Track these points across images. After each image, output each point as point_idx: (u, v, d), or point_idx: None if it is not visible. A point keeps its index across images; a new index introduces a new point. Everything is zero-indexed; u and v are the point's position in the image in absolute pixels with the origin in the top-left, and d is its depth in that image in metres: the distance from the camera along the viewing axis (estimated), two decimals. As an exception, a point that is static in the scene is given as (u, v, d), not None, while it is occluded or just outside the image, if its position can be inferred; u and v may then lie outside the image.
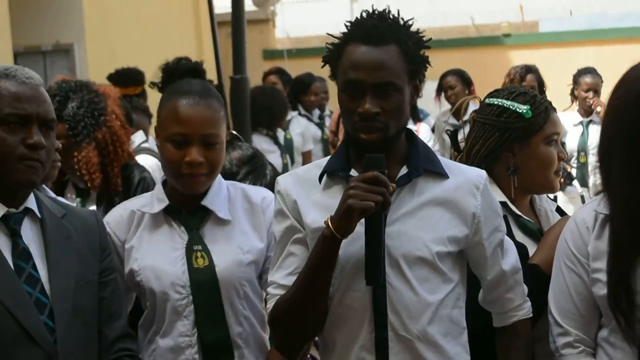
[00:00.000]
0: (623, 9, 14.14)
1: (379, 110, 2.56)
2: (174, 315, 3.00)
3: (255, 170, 3.53)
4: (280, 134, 8.26)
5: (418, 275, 2.58)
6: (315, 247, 2.54)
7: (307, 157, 8.77)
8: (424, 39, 2.66)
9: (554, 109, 3.21)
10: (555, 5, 15.26)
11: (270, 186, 3.39)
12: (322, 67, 2.70)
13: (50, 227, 2.70)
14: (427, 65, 2.64)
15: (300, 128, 8.87)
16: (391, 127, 2.58)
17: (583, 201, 7.61)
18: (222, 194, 3.08)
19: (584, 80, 8.17)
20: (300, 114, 9.28)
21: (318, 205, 2.60)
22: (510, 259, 2.77)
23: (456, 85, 8.99)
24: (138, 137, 5.77)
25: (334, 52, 2.64)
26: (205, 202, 3.06)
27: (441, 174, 2.66)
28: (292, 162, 8.46)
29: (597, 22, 13.76)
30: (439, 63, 11.24)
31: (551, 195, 3.38)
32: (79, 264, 2.71)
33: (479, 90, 9.08)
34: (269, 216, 3.06)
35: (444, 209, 2.63)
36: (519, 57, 10.90)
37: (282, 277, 2.66)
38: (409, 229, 2.58)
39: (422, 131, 8.76)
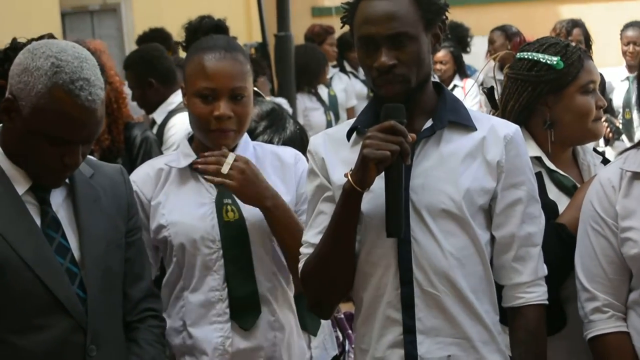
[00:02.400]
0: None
1: (395, 62, 2.51)
2: (205, 270, 3.00)
3: (274, 125, 3.50)
4: (324, 91, 8.26)
5: (444, 229, 2.54)
6: (338, 202, 2.53)
7: (351, 113, 8.72)
8: None
9: (589, 57, 3.12)
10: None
11: (291, 140, 3.43)
12: (341, 27, 2.68)
13: (80, 190, 2.65)
14: (446, 12, 2.59)
15: (343, 84, 8.85)
16: (411, 78, 2.53)
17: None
18: (248, 152, 3.07)
19: (625, 34, 8.08)
20: (345, 70, 9.25)
21: (346, 162, 2.56)
22: (529, 227, 2.62)
23: (497, 40, 8.91)
24: (179, 97, 5.79)
25: (350, 11, 2.62)
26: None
27: (468, 126, 2.61)
28: (338, 118, 8.44)
29: None
30: (489, 19, 11.10)
31: (599, 149, 3.33)
32: (108, 228, 2.68)
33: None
34: (298, 171, 3.07)
35: (470, 161, 2.57)
36: (569, 12, 10.74)
37: (313, 235, 2.65)
38: (433, 181, 2.54)
39: (468, 87, 8.71)
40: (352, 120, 2.70)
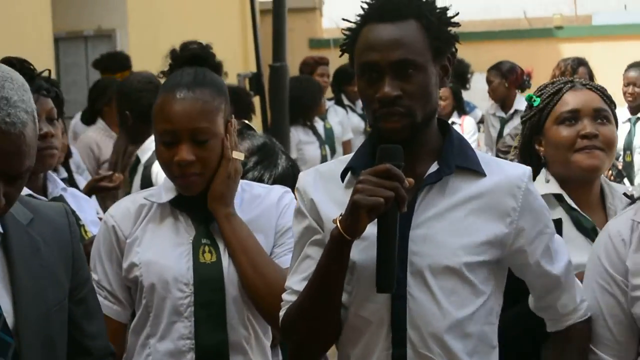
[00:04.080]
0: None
1: (400, 93, 2.30)
2: (174, 316, 2.78)
3: (265, 160, 3.29)
4: (319, 124, 8.05)
5: (444, 287, 2.31)
6: (325, 249, 2.31)
7: (347, 147, 8.54)
8: (450, 14, 2.40)
9: (582, 86, 3.00)
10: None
11: (282, 177, 3.22)
12: (340, 56, 2.47)
13: (16, 241, 2.22)
14: (456, 43, 2.40)
15: (339, 117, 8.66)
16: (416, 113, 2.31)
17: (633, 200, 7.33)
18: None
19: (626, 75, 7.98)
20: (342, 103, 9.08)
21: (339, 204, 2.33)
22: (561, 262, 2.46)
23: (493, 80, 8.78)
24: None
25: (351, 37, 2.40)
26: None
27: (477, 172, 2.38)
28: (334, 152, 8.25)
29: None
30: (489, 56, 11.03)
31: (627, 192, 3.15)
32: (49, 286, 2.26)
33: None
34: (280, 207, 2.87)
35: (479, 212, 2.34)
36: (571, 51, 10.63)
37: (297, 282, 2.42)
38: (436, 233, 2.32)
39: (467, 125, 8.54)
40: (347, 158, 2.47)
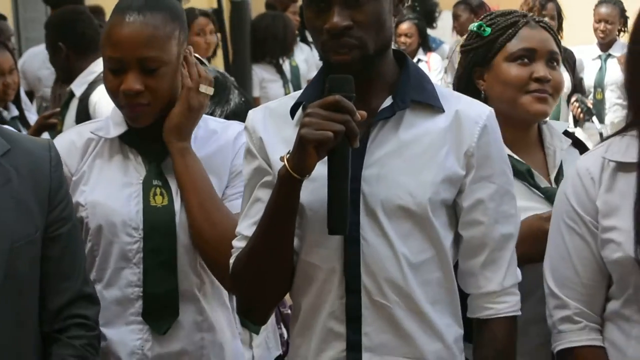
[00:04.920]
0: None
1: (350, 22, 2.10)
2: (122, 262, 2.61)
3: (216, 95, 3.09)
4: (285, 62, 7.85)
5: (399, 230, 2.14)
6: (273, 190, 2.13)
7: (311, 84, 8.35)
8: None
9: (537, 24, 2.81)
10: None
11: (235, 113, 3.01)
12: None
13: None
14: None
15: (304, 55, 8.45)
16: (369, 43, 2.12)
17: (602, 138, 7.26)
18: None
19: (597, 11, 7.85)
20: (307, 40, 8.89)
21: (288, 142, 2.14)
22: (502, 227, 2.23)
23: (461, 14, 8.58)
24: (100, 66, 5.24)
25: None
26: None
27: (434, 107, 2.21)
28: (300, 90, 8.07)
29: None
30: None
31: (570, 130, 3.00)
32: (17, 219, 2.20)
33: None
34: (236, 147, 2.67)
35: (436, 148, 2.17)
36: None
37: (247, 227, 2.24)
38: (390, 172, 2.14)
39: (433, 61, 8.37)
40: (297, 94, 2.30)
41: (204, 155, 2.64)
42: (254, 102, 7.32)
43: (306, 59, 8.42)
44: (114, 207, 2.61)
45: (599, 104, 7.63)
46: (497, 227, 2.22)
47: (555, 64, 2.79)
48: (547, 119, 2.83)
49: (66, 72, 5.10)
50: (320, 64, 7.63)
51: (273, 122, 2.27)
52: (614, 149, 2.32)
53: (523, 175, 2.66)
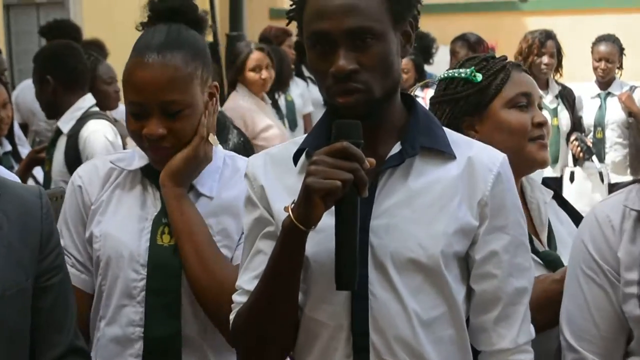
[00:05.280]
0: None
1: (357, 66, 2.00)
2: (125, 299, 2.48)
3: (216, 135, 3.01)
4: (280, 97, 7.75)
5: (410, 284, 2.03)
6: (277, 242, 2.02)
7: (307, 120, 8.22)
8: None
9: (522, 70, 2.67)
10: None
11: (234, 152, 2.80)
12: (287, 24, 2.17)
13: None
14: (418, 4, 2.11)
15: (299, 89, 8.34)
16: (375, 87, 2.02)
17: (601, 178, 7.18)
18: (212, 165, 2.55)
19: (597, 49, 7.73)
20: (303, 75, 8.80)
21: (291, 191, 2.03)
22: (517, 281, 2.11)
23: (459, 51, 8.49)
24: (89, 101, 4.99)
25: (299, 3, 2.09)
26: None
27: (445, 153, 2.10)
28: (295, 126, 7.96)
29: None
30: (453, 28, 10.85)
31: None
32: (7, 266, 2.11)
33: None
34: None
35: (448, 197, 2.06)
36: (535, 24, 10.46)
37: (248, 280, 2.13)
38: (399, 222, 2.04)
39: (430, 98, 8.28)
40: (301, 139, 2.18)
41: (227, 199, 2.53)
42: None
43: (302, 94, 8.33)
44: (124, 239, 2.50)
45: (599, 143, 7.55)
46: (511, 280, 2.11)
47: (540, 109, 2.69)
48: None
49: (52, 107, 4.96)
50: (318, 99, 7.50)
51: (274, 170, 2.15)
52: (635, 198, 2.21)
53: None
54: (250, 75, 6.76)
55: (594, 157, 7.34)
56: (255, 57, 6.86)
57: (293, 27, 2.16)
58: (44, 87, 4.93)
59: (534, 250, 2.50)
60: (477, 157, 2.11)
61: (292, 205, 1.96)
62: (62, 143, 4.77)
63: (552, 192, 2.68)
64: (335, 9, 2.00)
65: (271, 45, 7.78)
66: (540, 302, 2.25)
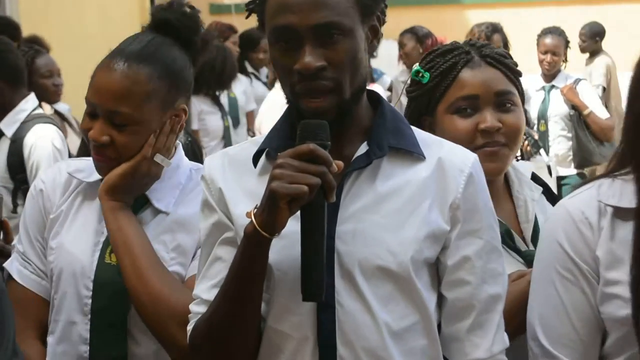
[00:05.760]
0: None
1: (324, 63, 1.90)
2: (76, 315, 2.38)
3: None
4: (223, 93, 7.60)
5: (379, 293, 1.93)
6: (238, 249, 1.91)
7: (250, 117, 8.11)
8: None
9: (480, 59, 2.45)
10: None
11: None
12: (247, 17, 2.06)
13: None
14: None
15: (243, 86, 8.19)
16: (344, 86, 1.92)
17: (549, 172, 7.14)
18: (172, 179, 2.45)
19: (542, 41, 7.67)
20: (246, 71, 8.67)
21: (251, 194, 1.95)
22: (490, 287, 2.02)
23: (407, 43, 8.43)
24: (31, 103, 4.73)
25: None
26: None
27: (414, 154, 2.00)
28: (238, 123, 7.82)
29: None
30: (396, 22, 10.85)
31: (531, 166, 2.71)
32: None
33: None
34: None
35: (418, 200, 1.96)
36: (479, 17, 10.43)
37: (206, 289, 2.02)
38: (367, 228, 1.94)
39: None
40: (261, 139, 2.07)
41: (185, 213, 2.43)
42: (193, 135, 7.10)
43: (244, 91, 8.19)
44: (77, 253, 2.41)
45: (543, 136, 7.51)
46: (484, 287, 2.01)
47: (509, 105, 2.44)
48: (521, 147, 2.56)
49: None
50: (261, 95, 7.34)
51: (233, 171, 2.04)
52: (608, 192, 2.09)
53: (502, 237, 2.31)
54: (262, 57, 6.51)
55: (542, 151, 7.31)
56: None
57: (239, 23, 2.05)
58: None
59: (516, 249, 2.41)
60: (447, 157, 2.01)
61: (255, 210, 1.85)
62: (3, 146, 4.56)
63: (541, 189, 2.54)
64: (301, 3, 1.89)
65: (216, 41, 7.62)
66: (515, 304, 2.15)
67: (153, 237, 2.39)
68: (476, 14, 11.97)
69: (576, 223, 2.08)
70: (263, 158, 2.02)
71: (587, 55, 9.63)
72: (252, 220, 1.85)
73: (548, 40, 7.61)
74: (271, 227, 1.83)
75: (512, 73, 2.47)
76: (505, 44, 7.34)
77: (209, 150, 7.06)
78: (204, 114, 7.32)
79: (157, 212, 2.43)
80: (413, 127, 2.06)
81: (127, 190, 2.39)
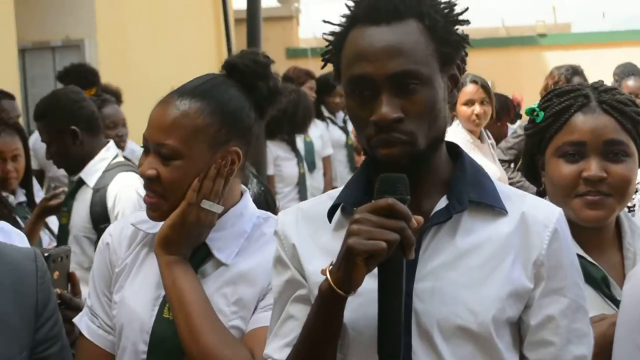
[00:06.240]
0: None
1: (401, 114, 1.83)
2: None
3: None
4: (299, 138, 7.58)
5: (458, 354, 1.85)
6: (312, 308, 1.85)
7: (327, 163, 8.06)
8: (457, 9, 1.94)
9: (597, 105, 2.36)
10: (587, 7, 15.03)
11: (255, 204, 2.61)
12: (323, 67, 2.02)
13: None
14: (464, 44, 1.94)
15: (319, 131, 8.14)
16: (420, 138, 1.85)
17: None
18: (235, 227, 2.38)
19: (626, 84, 7.41)
20: (322, 116, 8.65)
21: (326, 250, 1.89)
22: (576, 348, 1.91)
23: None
24: (112, 151, 4.66)
25: (335, 43, 1.94)
26: (210, 235, 2.38)
27: (496, 208, 1.93)
28: (314, 167, 7.79)
29: (631, 23, 13.37)
30: (473, 64, 10.76)
31: None
32: (0, 339, 1.97)
33: (512, 90, 8.50)
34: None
35: (500, 257, 1.88)
36: (553, 59, 10.33)
37: (278, 349, 1.95)
38: (446, 286, 1.86)
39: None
40: (336, 193, 2.01)
41: (247, 265, 2.35)
42: (268, 181, 7.08)
43: (321, 135, 8.16)
44: (137, 309, 2.37)
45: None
46: (570, 348, 1.91)
47: (620, 154, 2.36)
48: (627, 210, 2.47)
49: (73, 160, 4.56)
50: (338, 140, 7.30)
51: (307, 226, 1.99)
52: None
53: (597, 283, 2.30)
54: (462, 109, 6.21)
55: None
56: (467, 90, 6.25)
57: (315, 66, 2.01)
58: (67, 139, 4.53)
59: (612, 297, 2.31)
60: (530, 212, 1.93)
61: (330, 267, 1.79)
62: (85, 196, 4.48)
63: None
64: (378, 51, 1.84)
65: (291, 86, 7.65)
66: (597, 347, 2.04)
67: (214, 290, 2.34)
68: (553, 56, 11.87)
69: None
70: (338, 213, 1.96)
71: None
72: (327, 278, 1.79)
73: (631, 82, 7.40)
74: (347, 285, 1.77)
75: (631, 121, 2.38)
76: (586, 87, 7.19)
77: (283, 197, 7.03)
78: (279, 160, 7.31)
79: (220, 263, 2.37)
80: (495, 181, 1.99)
81: (181, 242, 2.34)
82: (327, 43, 1.99)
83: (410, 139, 1.85)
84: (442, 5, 1.92)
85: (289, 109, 7.08)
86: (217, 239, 2.37)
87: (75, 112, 4.57)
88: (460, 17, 1.94)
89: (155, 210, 2.35)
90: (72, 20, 10.14)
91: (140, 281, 2.39)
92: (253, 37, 7.42)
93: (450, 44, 1.90)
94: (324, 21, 2.01)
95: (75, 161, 4.56)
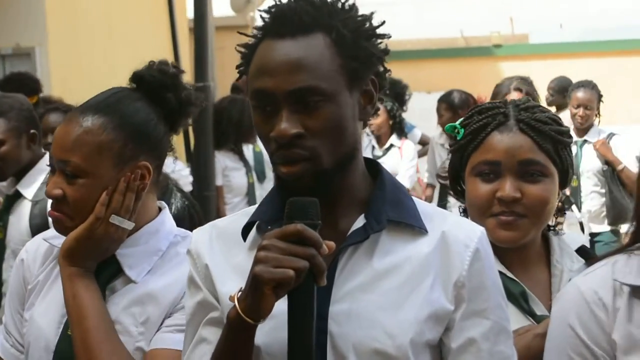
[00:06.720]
0: (613, 23, 13.95)
1: (300, 130, 1.76)
2: None
3: None
4: (248, 148, 7.49)
5: None
6: (222, 334, 1.77)
7: (277, 172, 7.98)
8: (373, 23, 1.87)
9: (515, 124, 2.31)
10: (545, 18, 15.16)
11: (176, 219, 2.53)
12: (237, 79, 1.97)
13: None
14: (382, 61, 1.87)
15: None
16: (323, 155, 1.78)
17: (582, 228, 6.96)
18: (149, 245, 2.30)
19: (575, 95, 7.45)
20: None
21: (240, 270, 1.80)
22: None
23: (444, 114, 8.10)
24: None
25: (246, 56, 1.87)
26: (120, 249, 2.29)
27: (415, 227, 1.86)
28: (264, 177, 7.70)
29: (588, 35, 13.48)
30: (428, 75, 10.80)
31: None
32: None
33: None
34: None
35: (419, 278, 1.81)
36: (510, 69, 10.34)
37: None
38: (363, 308, 1.78)
39: (406, 149, 7.95)
40: (251, 210, 1.93)
41: (157, 285, 2.26)
42: (217, 192, 6.98)
43: (271, 145, 8.08)
44: (43, 326, 2.28)
45: (575, 192, 7.32)
46: None
47: (536, 175, 2.30)
48: (564, 229, 2.43)
49: (14, 167, 4.34)
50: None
51: (221, 245, 1.91)
52: (624, 270, 1.96)
53: (515, 298, 2.26)
54: None
55: (574, 207, 7.14)
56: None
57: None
58: (23, 141, 4.35)
59: (531, 312, 2.27)
60: (452, 231, 1.86)
61: (239, 294, 1.71)
62: (22, 209, 4.33)
63: (582, 261, 2.37)
64: (279, 66, 1.77)
65: (237, 95, 7.57)
66: (522, 359, 1.99)
67: (122, 308, 2.25)
68: (509, 66, 11.89)
69: (589, 305, 1.95)
70: (253, 231, 1.88)
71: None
72: (235, 305, 1.71)
73: (580, 94, 7.41)
74: (256, 313, 1.69)
75: (550, 141, 2.32)
76: (534, 98, 7.18)
77: (232, 207, 6.95)
78: (228, 170, 7.22)
79: (129, 280, 2.28)
80: (415, 199, 1.92)
81: (86, 255, 2.25)
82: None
83: (311, 156, 1.78)
84: (355, 19, 1.84)
85: (235, 118, 7.01)
86: (129, 255, 2.29)
87: (34, 116, 4.44)
88: (377, 31, 1.86)
89: (61, 227, 2.28)
90: (22, 27, 10.01)
91: (50, 299, 2.31)
92: (200, 45, 7.30)
93: (358, 59, 1.82)
94: (239, 32, 1.94)
95: (18, 166, 4.36)
